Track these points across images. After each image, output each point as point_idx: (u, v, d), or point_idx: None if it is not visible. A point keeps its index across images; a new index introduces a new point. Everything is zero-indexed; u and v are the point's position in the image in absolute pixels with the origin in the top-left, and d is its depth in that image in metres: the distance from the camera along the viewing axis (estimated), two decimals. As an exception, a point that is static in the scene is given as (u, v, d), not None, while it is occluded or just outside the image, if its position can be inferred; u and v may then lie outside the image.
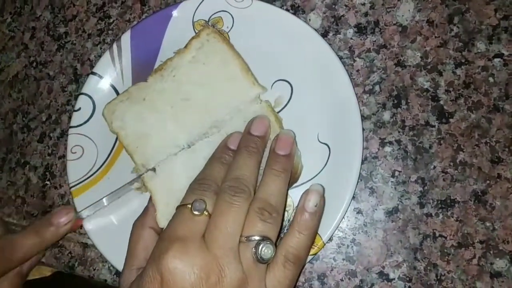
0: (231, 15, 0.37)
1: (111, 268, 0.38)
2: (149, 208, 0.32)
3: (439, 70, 0.34)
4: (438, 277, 0.31)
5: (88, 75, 0.39)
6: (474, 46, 0.34)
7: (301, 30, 0.35)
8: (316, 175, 0.33)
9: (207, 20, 0.38)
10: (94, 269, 0.38)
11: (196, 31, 0.37)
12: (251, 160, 0.29)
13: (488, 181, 0.32)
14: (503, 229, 0.31)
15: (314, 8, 0.38)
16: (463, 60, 0.34)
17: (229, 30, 0.37)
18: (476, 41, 0.34)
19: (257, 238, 0.25)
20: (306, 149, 0.33)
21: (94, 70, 0.39)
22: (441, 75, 0.34)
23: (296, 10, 0.38)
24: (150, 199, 0.33)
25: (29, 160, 0.43)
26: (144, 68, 0.38)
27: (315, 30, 0.35)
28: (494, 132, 0.32)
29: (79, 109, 0.39)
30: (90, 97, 0.39)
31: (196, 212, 0.26)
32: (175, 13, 0.38)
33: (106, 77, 0.39)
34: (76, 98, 0.40)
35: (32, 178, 0.43)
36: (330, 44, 0.35)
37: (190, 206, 0.26)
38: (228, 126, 0.33)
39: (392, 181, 0.33)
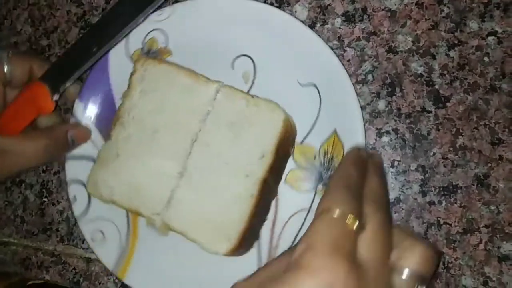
0: (163, 32, 0.37)
1: (116, 281, 0.38)
2: None
3: (432, 53, 0.33)
4: (446, 265, 0.31)
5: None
6: (467, 26, 0.33)
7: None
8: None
9: (142, 47, 0.37)
10: (100, 283, 0.38)
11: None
12: None
13: (489, 164, 0.31)
14: (508, 212, 0.30)
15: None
16: (456, 41, 0.33)
17: (166, 45, 0.37)
18: (468, 21, 0.33)
19: None
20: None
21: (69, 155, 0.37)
22: (435, 59, 0.33)
23: (280, 3, 0.37)
24: None
25: (24, 179, 0.43)
26: (110, 122, 0.35)
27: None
28: (493, 113, 0.31)
29: (75, 197, 0.37)
30: (81, 182, 0.37)
31: (354, 227, 0.22)
32: (109, 58, 0.37)
33: (85, 154, 0.37)
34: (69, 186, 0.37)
35: (29, 196, 0.42)
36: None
37: (350, 219, 0.22)
38: (205, 133, 0.32)
39: (392, 171, 0.33)
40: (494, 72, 0.32)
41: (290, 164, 0.33)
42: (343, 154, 0.31)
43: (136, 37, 0.37)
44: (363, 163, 0.27)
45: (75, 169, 0.37)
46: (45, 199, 0.42)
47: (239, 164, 0.31)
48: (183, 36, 0.36)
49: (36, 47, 0.45)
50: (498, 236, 0.30)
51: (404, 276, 0.23)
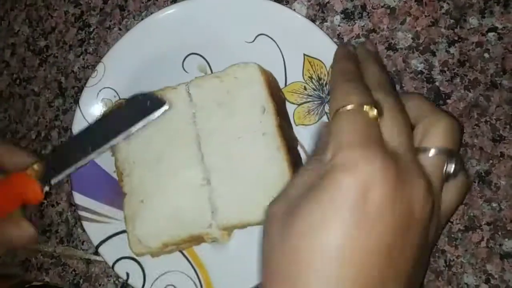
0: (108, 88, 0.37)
1: (117, 282, 0.38)
2: None
3: (432, 50, 0.33)
4: (447, 263, 0.31)
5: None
6: (467, 22, 0.32)
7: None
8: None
9: (110, 99, 0.37)
10: (100, 285, 0.38)
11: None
12: None
13: (491, 161, 0.31)
14: (510, 209, 0.30)
15: (298, -3, 0.36)
16: (456, 38, 0.32)
17: (118, 97, 0.37)
18: (468, 17, 0.32)
19: None
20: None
21: (97, 248, 0.35)
22: (435, 55, 0.33)
23: (279, 0, 0.37)
24: None
25: (23, 180, 0.43)
26: (113, 192, 0.35)
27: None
28: (494, 109, 0.31)
29: (127, 274, 0.34)
30: (123, 257, 0.35)
31: (374, 114, 0.21)
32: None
33: (115, 232, 0.35)
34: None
35: (28, 198, 0.42)
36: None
37: (367, 108, 0.21)
38: (204, 130, 0.32)
39: (392, 169, 0.33)
40: (495, 68, 0.31)
41: (290, 108, 0.34)
42: (325, 67, 0.32)
43: (91, 107, 0.37)
44: (354, 55, 0.27)
45: (111, 251, 0.35)
46: (44, 201, 0.41)
47: (250, 130, 0.31)
48: (126, 79, 0.36)
49: (34, 48, 0.45)
50: (500, 233, 0.30)
51: (431, 154, 0.22)
